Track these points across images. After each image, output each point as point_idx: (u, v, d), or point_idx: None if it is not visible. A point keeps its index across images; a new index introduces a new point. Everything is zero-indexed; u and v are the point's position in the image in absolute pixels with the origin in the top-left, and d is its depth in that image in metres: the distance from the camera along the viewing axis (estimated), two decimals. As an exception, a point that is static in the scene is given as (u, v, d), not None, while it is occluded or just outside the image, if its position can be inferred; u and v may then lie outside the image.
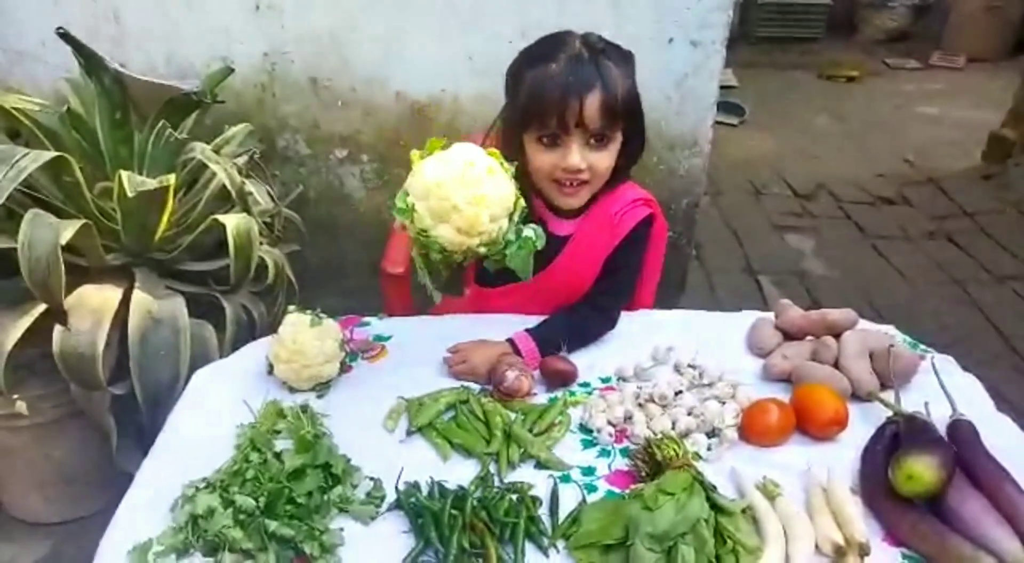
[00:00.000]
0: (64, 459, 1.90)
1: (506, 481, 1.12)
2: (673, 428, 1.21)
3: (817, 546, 1.00)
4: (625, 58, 1.35)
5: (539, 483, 1.12)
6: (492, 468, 1.15)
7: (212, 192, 1.83)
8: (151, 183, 1.58)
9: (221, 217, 1.71)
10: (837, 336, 1.39)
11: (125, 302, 1.65)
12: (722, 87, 2.32)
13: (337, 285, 2.63)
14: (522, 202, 1.12)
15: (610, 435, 1.21)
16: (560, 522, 1.05)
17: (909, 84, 6.33)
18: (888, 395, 1.25)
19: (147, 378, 1.64)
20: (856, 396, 1.29)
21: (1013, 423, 1.25)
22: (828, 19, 7.23)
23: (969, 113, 5.47)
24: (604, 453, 1.20)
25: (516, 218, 1.11)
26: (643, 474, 1.11)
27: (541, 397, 1.33)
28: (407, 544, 1.01)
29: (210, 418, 1.24)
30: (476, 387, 1.34)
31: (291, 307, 1.36)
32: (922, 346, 1.46)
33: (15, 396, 1.70)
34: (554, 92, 1.27)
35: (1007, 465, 1.07)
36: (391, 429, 1.24)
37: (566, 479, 1.14)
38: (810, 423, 1.22)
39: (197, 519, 1.00)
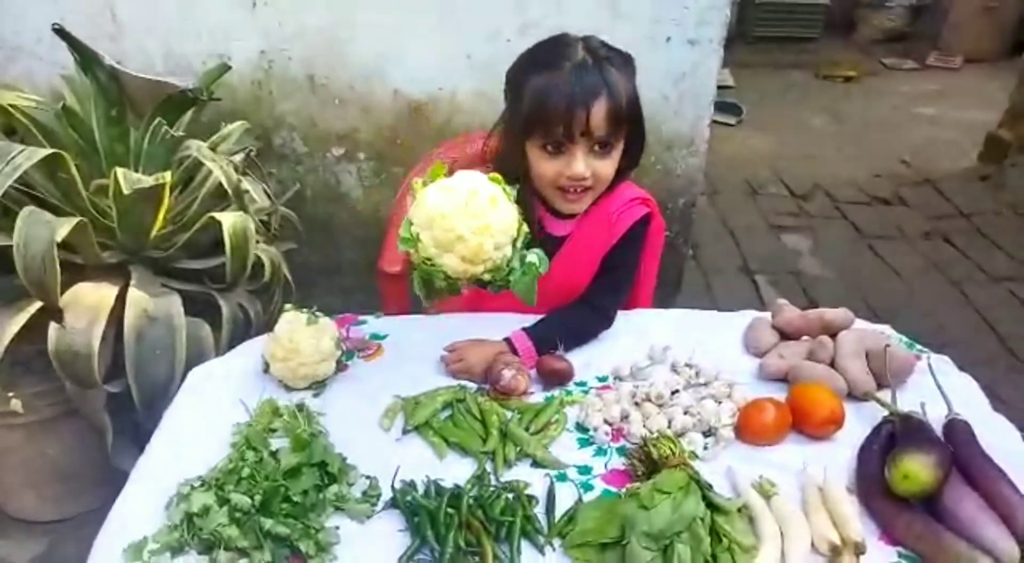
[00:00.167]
0: (59, 457, 1.89)
1: (502, 480, 1.12)
2: (669, 427, 1.21)
3: (813, 545, 1.00)
4: (627, 62, 1.34)
5: (535, 482, 1.12)
6: (488, 467, 1.15)
7: (208, 190, 1.83)
8: (147, 180, 1.58)
9: (217, 215, 1.70)
10: (833, 336, 1.39)
11: (121, 300, 1.64)
12: (719, 87, 2.32)
13: (333, 283, 2.62)
14: (525, 228, 1.13)
15: (606, 434, 1.21)
16: (556, 521, 1.05)
17: (906, 84, 6.33)
18: (884, 395, 1.25)
19: (143, 376, 1.63)
20: (852, 395, 1.29)
21: (1009, 423, 1.25)
22: (826, 19, 7.23)
23: (966, 114, 5.48)
24: (600, 452, 1.20)
25: (520, 244, 1.12)
26: (639, 473, 1.11)
27: (537, 396, 1.33)
28: (403, 542, 1.01)
29: (206, 416, 1.24)
30: (472, 386, 1.34)
31: (287, 305, 1.36)
32: (918, 346, 1.46)
33: (10, 394, 1.69)
34: (560, 102, 1.27)
35: (1003, 465, 1.07)
36: (387, 428, 1.24)
37: (562, 478, 1.14)
38: (806, 422, 1.22)
39: (192, 517, 0.99)
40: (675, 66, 2.21)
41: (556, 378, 1.35)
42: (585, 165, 1.33)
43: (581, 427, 1.25)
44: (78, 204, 1.68)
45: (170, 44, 2.21)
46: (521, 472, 1.15)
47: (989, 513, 1.00)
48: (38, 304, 1.55)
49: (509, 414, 1.25)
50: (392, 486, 1.10)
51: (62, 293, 1.54)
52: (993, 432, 1.19)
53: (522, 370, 1.32)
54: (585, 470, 1.16)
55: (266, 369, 1.33)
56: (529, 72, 1.32)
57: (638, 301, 1.67)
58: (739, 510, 1.03)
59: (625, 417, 1.24)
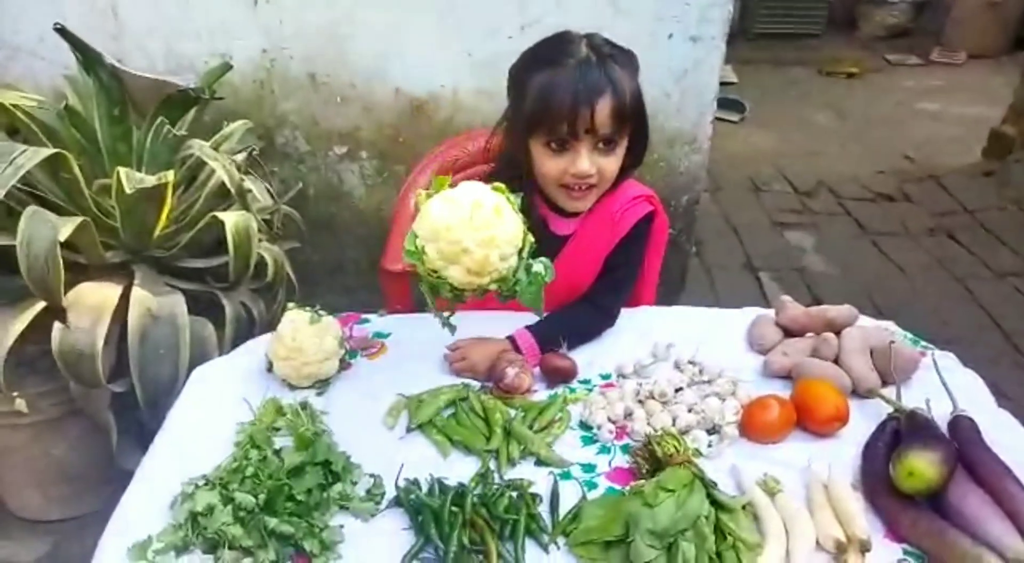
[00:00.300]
0: (64, 457, 1.90)
1: (506, 478, 1.12)
2: (673, 425, 1.20)
3: (818, 543, 1.00)
4: (630, 59, 1.34)
5: (539, 480, 1.12)
6: (492, 465, 1.15)
7: (211, 189, 1.83)
8: (150, 180, 1.58)
9: (220, 214, 1.70)
10: (837, 332, 1.39)
11: (124, 299, 1.65)
12: (722, 83, 2.32)
13: (336, 282, 2.63)
14: (531, 237, 1.12)
15: (610, 432, 1.21)
16: (560, 519, 1.05)
17: (909, 80, 6.32)
18: (889, 392, 1.24)
19: (146, 376, 1.63)
20: (857, 393, 1.29)
21: (1014, 419, 1.25)
22: (828, 15, 7.22)
23: (970, 109, 5.47)
24: (604, 450, 1.20)
25: (525, 254, 1.11)
26: (643, 471, 1.11)
27: (541, 394, 1.32)
28: (407, 541, 1.01)
29: (210, 415, 1.24)
30: (476, 384, 1.33)
31: (290, 304, 1.36)
32: (923, 342, 1.46)
33: (15, 394, 1.69)
34: (565, 99, 1.26)
35: (1008, 461, 1.06)
36: (391, 426, 1.24)
37: (566, 476, 1.14)
38: (811, 419, 1.21)
39: (197, 516, 0.99)
40: (677, 63, 2.21)
41: (560, 376, 1.35)
42: (590, 163, 1.32)
43: (585, 425, 1.25)
44: (81, 204, 1.68)
45: (171, 43, 2.21)
46: (525, 470, 1.15)
47: (994, 510, 1.00)
48: (42, 304, 1.55)
49: (513, 412, 1.25)
50: (396, 484, 1.10)
51: (65, 293, 1.54)
52: (998, 428, 1.18)
53: (525, 368, 1.31)
54: (589, 468, 1.16)
55: (270, 368, 1.33)
56: (533, 70, 1.31)
57: (641, 298, 1.66)
58: (743, 508, 1.03)
59: (629, 415, 1.24)
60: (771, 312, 1.51)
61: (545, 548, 1.01)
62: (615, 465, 1.17)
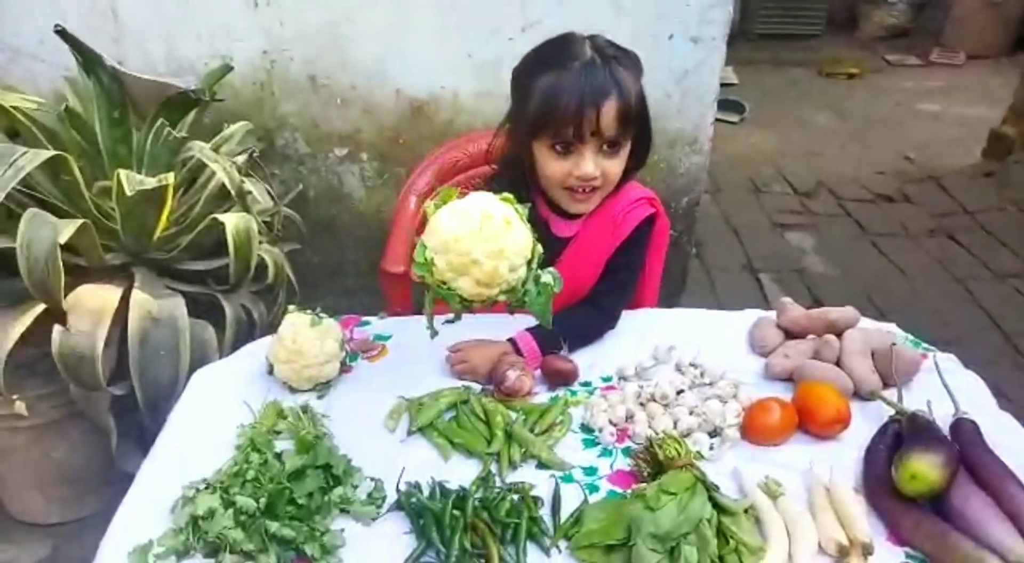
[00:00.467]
0: (64, 459, 1.89)
1: (507, 481, 1.12)
2: (675, 427, 1.20)
3: (820, 546, 0.99)
4: (634, 62, 1.34)
5: (540, 483, 1.11)
6: (493, 468, 1.14)
7: (211, 191, 1.83)
8: (150, 182, 1.58)
9: (220, 216, 1.70)
10: (839, 334, 1.38)
11: (124, 302, 1.64)
12: (722, 84, 2.32)
13: (337, 284, 2.63)
14: (539, 248, 1.12)
15: (612, 435, 1.21)
16: (562, 522, 1.04)
17: (909, 81, 6.32)
18: (890, 394, 1.24)
19: (147, 378, 1.63)
20: (858, 395, 1.29)
21: (1016, 421, 1.25)
22: (828, 16, 7.22)
23: (969, 110, 5.47)
24: (606, 453, 1.20)
25: (534, 265, 1.11)
26: (645, 474, 1.11)
27: (542, 396, 1.32)
28: (408, 545, 1.01)
29: (210, 418, 1.24)
30: (477, 387, 1.33)
31: (291, 307, 1.35)
32: (924, 344, 1.46)
33: (15, 396, 1.69)
34: (570, 101, 1.26)
35: (1010, 463, 1.06)
36: (392, 429, 1.23)
37: (568, 479, 1.13)
38: (812, 422, 1.21)
39: (197, 520, 0.99)
40: (678, 64, 2.21)
41: (561, 379, 1.34)
42: (594, 165, 1.32)
43: (586, 428, 1.24)
44: (81, 206, 1.68)
45: (172, 45, 2.21)
46: (526, 473, 1.14)
47: (997, 512, 0.99)
48: (42, 306, 1.55)
49: (514, 415, 1.25)
50: (397, 488, 1.09)
51: (65, 295, 1.54)
52: (1000, 430, 1.18)
53: (526, 371, 1.31)
54: (591, 471, 1.16)
55: (270, 371, 1.33)
56: (536, 72, 1.31)
57: (643, 300, 1.66)
58: (745, 511, 1.03)
59: (630, 417, 1.24)
60: (772, 314, 1.51)
61: (547, 551, 1.00)
62: (617, 468, 1.16)
